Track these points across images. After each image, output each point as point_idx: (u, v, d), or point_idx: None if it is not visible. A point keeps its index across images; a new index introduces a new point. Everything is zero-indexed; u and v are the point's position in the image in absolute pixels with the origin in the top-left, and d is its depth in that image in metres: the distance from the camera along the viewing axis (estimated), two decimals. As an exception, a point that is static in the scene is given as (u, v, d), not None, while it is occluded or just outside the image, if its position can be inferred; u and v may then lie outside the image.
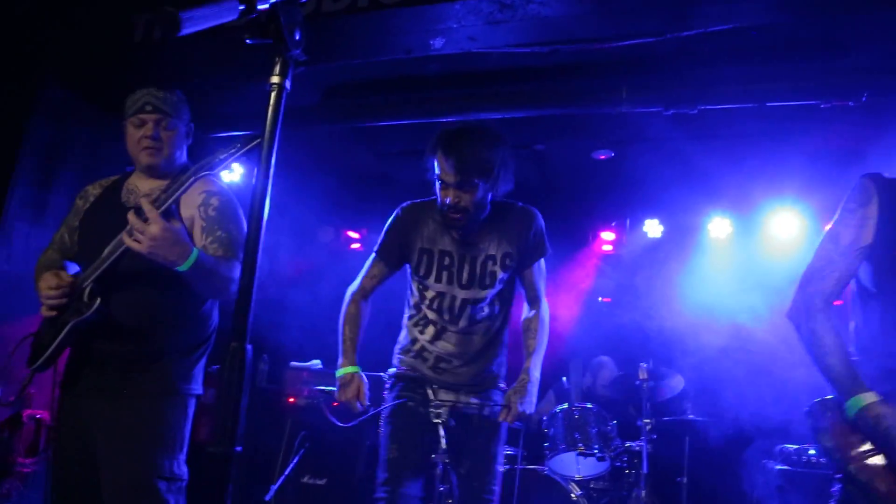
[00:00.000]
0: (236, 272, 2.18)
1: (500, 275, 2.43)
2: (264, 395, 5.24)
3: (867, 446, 1.69)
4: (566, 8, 3.14)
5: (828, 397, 1.81)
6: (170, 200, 1.98)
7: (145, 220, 1.92)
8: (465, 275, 2.42)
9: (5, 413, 3.54)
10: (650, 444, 4.23)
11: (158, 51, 3.82)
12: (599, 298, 5.88)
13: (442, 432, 2.22)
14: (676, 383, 4.60)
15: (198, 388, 2.27)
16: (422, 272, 2.46)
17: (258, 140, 1.94)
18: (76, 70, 4.03)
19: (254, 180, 0.80)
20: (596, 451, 4.06)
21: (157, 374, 2.16)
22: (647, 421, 4.27)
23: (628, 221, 5.75)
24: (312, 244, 6.27)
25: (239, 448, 0.70)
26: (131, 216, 1.93)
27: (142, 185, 2.31)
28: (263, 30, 0.83)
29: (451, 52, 3.48)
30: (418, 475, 2.37)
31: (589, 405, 4.28)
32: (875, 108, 3.44)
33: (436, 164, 2.32)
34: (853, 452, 1.69)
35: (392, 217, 2.54)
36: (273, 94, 0.83)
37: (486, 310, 2.46)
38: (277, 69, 0.84)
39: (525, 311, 2.59)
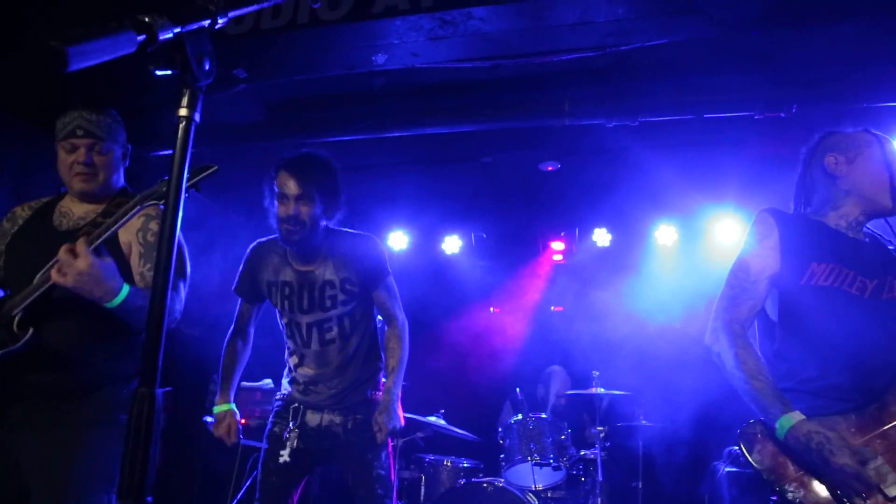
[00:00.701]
0: (176, 303, 2.13)
1: (342, 297, 2.60)
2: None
3: (798, 466, 1.72)
4: (506, 23, 3.17)
5: (760, 419, 1.84)
6: (108, 232, 1.90)
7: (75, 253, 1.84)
8: (304, 301, 2.60)
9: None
10: (604, 451, 4.28)
11: (92, 70, 3.71)
12: (552, 308, 5.94)
13: (285, 452, 2.53)
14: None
15: None
16: (274, 303, 2.67)
17: (213, 169, 1.91)
18: (5, 85, 3.87)
19: (163, 225, 0.76)
20: (551, 461, 4.08)
21: (95, 403, 2.07)
22: (601, 428, 4.32)
23: (577, 231, 5.83)
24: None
25: (150, 498, 0.67)
26: (62, 250, 1.85)
27: (76, 209, 2.22)
28: (169, 60, 0.80)
29: (395, 68, 3.49)
30: (285, 495, 2.60)
31: (543, 415, 4.30)
32: (805, 118, 3.57)
33: (276, 184, 2.51)
34: (787, 473, 1.73)
35: (244, 257, 2.73)
36: (181, 127, 0.80)
37: (335, 330, 2.61)
38: (185, 101, 0.81)
39: (387, 331, 2.80)
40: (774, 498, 1.76)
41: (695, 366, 4.88)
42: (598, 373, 4.60)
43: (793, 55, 3.53)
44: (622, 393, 4.53)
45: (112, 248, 2.07)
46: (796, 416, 1.73)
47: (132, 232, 2.16)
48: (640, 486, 4.53)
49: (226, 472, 4.61)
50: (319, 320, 2.60)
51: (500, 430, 4.33)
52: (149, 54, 0.77)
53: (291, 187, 2.47)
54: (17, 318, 1.97)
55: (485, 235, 5.87)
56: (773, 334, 1.99)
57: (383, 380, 2.76)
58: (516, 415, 4.37)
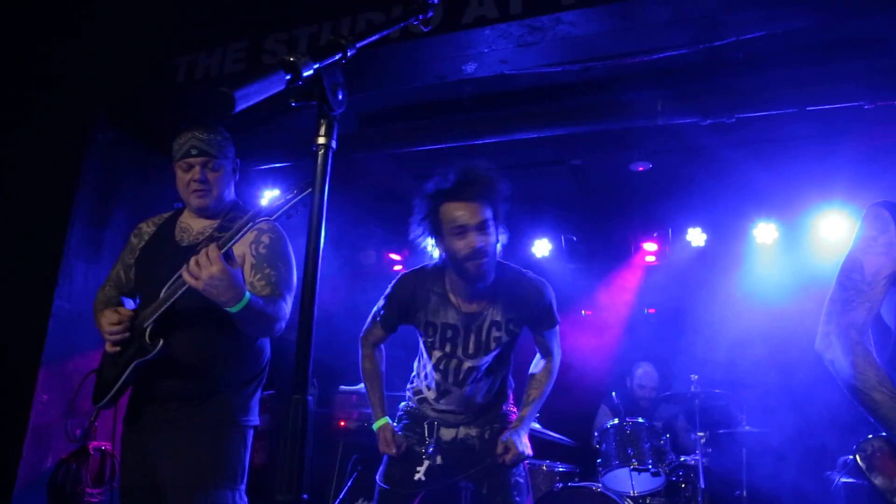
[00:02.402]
0: (282, 311, 2.22)
1: (504, 338, 2.46)
2: (315, 419, 5.30)
3: None
4: (595, 26, 3.14)
5: (881, 435, 1.72)
6: (229, 244, 2.00)
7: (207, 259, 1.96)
8: (470, 345, 2.44)
9: (72, 445, 3.69)
10: (706, 457, 4.15)
11: (200, 90, 3.97)
12: (645, 310, 5.81)
13: (422, 469, 2.46)
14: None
15: (255, 419, 2.33)
16: (427, 340, 2.51)
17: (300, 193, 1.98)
18: (124, 110, 4.21)
19: (305, 248, 0.84)
20: (650, 467, 4.00)
21: (216, 407, 2.22)
22: (701, 434, 4.20)
23: (670, 231, 5.67)
24: (355, 268, 6.36)
25: (305, 496, 0.74)
26: (196, 255, 1.97)
27: (194, 224, 2.37)
28: (307, 94, 0.87)
29: (484, 76, 3.53)
30: None
31: (640, 420, 4.22)
32: (922, 106, 3.35)
33: (443, 218, 2.26)
34: None
35: (391, 288, 2.54)
36: (320, 154, 0.87)
37: (483, 370, 2.49)
38: (323, 130, 0.88)
39: (536, 361, 2.68)
40: None
41: (800, 369, 4.67)
42: (696, 376, 4.48)
43: (906, 39, 3.32)
44: (719, 391, 4.39)
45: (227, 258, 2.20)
46: None
47: (246, 244, 2.26)
48: (745, 494, 4.36)
49: (327, 469, 4.79)
50: (480, 365, 2.47)
51: (595, 434, 4.28)
52: (290, 89, 0.84)
53: (470, 216, 2.22)
54: (148, 330, 2.13)
55: (575, 238, 5.82)
56: (886, 340, 1.84)
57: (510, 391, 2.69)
58: (613, 419, 4.31)
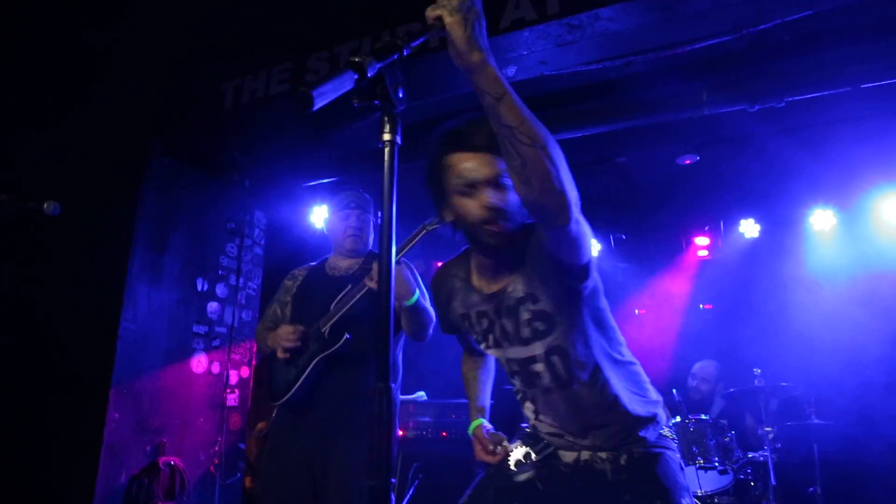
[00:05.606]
0: (432, 315, 2.61)
1: (536, 325, 1.73)
2: (373, 430, 5.37)
3: None
4: (635, 20, 3.11)
5: None
6: (401, 254, 2.52)
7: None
8: (508, 332, 1.79)
9: (143, 462, 3.83)
10: (775, 453, 4.04)
11: (247, 115, 4.09)
12: (701, 306, 5.70)
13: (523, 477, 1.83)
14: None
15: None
16: (477, 340, 1.93)
17: (436, 223, 2.39)
18: (177, 139, 4.37)
19: (380, 237, 0.88)
20: (717, 465, 3.91)
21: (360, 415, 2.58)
22: (769, 429, 4.08)
23: (722, 224, 5.57)
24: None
25: (394, 479, 0.76)
26: (375, 265, 2.39)
27: (341, 264, 2.88)
28: (371, 93, 0.91)
29: (525, 78, 3.53)
30: None
31: (703, 416, 4.13)
32: (984, 75, 3.20)
33: (448, 173, 1.69)
34: None
35: (430, 292, 2.07)
36: (387, 151, 0.91)
37: (547, 375, 1.77)
38: (387, 127, 0.93)
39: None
40: None
41: (866, 355, 4.51)
42: (759, 370, 4.37)
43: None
44: (784, 384, 4.26)
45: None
46: None
47: None
48: (819, 491, 4.21)
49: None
50: (523, 359, 1.78)
51: (657, 434, 4.20)
52: (354, 90, 0.89)
53: (480, 169, 1.63)
54: (326, 331, 2.61)
55: (624, 237, 5.75)
56: None
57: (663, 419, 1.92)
58: (674, 417, 4.23)
